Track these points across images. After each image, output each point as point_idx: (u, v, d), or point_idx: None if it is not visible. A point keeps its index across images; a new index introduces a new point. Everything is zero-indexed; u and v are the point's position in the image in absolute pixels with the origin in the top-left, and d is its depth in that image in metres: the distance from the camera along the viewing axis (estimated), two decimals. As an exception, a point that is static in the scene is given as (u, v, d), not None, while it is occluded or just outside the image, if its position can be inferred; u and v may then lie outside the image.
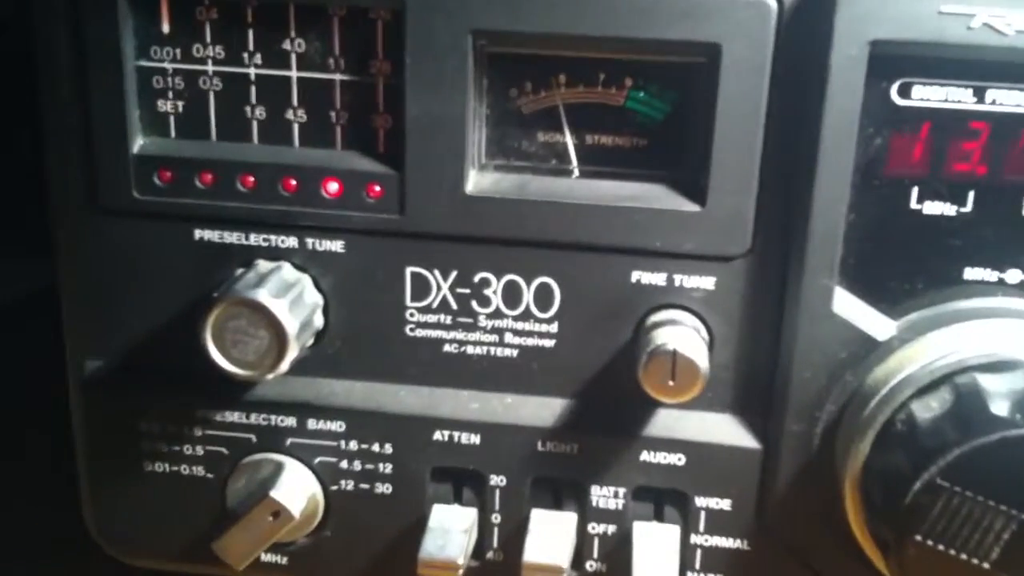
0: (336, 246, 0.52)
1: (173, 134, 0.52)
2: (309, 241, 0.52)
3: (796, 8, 0.46)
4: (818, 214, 0.48)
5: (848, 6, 0.45)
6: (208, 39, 0.51)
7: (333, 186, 0.51)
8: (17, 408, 0.75)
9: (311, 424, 0.54)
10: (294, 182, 0.51)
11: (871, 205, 0.48)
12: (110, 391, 0.55)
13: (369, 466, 0.54)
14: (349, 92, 0.51)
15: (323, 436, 0.54)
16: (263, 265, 0.52)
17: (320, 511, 0.55)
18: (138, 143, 0.51)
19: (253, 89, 0.51)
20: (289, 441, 0.54)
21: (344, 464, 0.54)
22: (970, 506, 0.43)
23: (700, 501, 0.53)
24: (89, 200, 0.52)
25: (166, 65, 0.51)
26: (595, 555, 0.54)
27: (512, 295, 0.52)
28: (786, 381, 0.50)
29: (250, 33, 0.50)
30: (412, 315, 0.53)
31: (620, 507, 0.53)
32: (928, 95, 0.47)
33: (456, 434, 0.53)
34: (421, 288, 0.52)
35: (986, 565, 0.44)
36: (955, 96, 0.47)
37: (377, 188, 0.51)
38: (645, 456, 0.52)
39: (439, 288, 0.52)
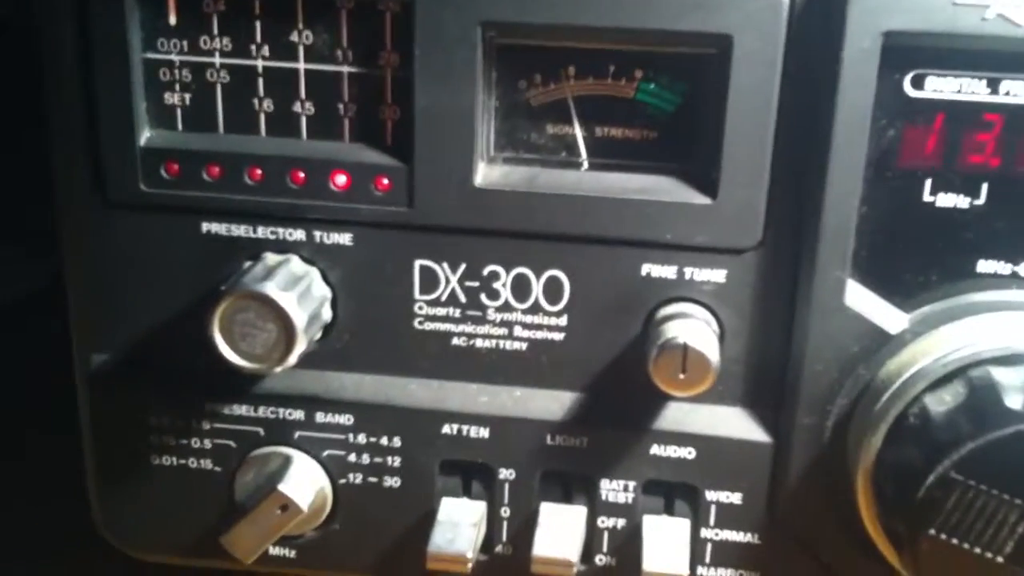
0: (344, 239, 0.52)
1: (180, 127, 0.52)
2: (317, 234, 0.52)
3: (808, -2, 0.46)
4: (830, 207, 0.47)
5: (861, -4, 0.45)
6: (215, 31, 0.50)
7: (341, 179, 0.51)
8: (17, 408, 0.75)
9: (319, 417, 0.54)
10: (302, 175, 0.51)
11: (884, 197, 0.48)
12: (117, 385, 0.55)
13: (378, 459, 0.54)
14: (357, 84, 0.50)
15: (331, 429, 0.54)
16: (271, 258, 0.52)
17: (328, 504, 0.55)
18: (145, 136, 0.51)
19: (261, 81, 0.51)
20: (297, 434, 0.54)
21: (353, 457, 0.54)
22: (984, 500, 0.43)
23: (711, 495, 0.53)
24: (96, 193, 0.52)
25: (173, 57, 0.51)
26: (605, 549, 0.54)
27: (521, 288, 0.52)
28: (798, 374, 0.50)
29: (257, 25, 0.50)
30: (421, 308, 0.53)
31: (630, 501, 0.53)
32: (942, 87, 0.47)
33: (465, 427, 0.53)
34: (430, 281, 0.52)
35: (1000, 559, 0.44)
36: (969, 88, 0.46)
37: (385, 181, 0.50)
38: (655, 450, 0.52)
39: (448, 281, 0.52)
